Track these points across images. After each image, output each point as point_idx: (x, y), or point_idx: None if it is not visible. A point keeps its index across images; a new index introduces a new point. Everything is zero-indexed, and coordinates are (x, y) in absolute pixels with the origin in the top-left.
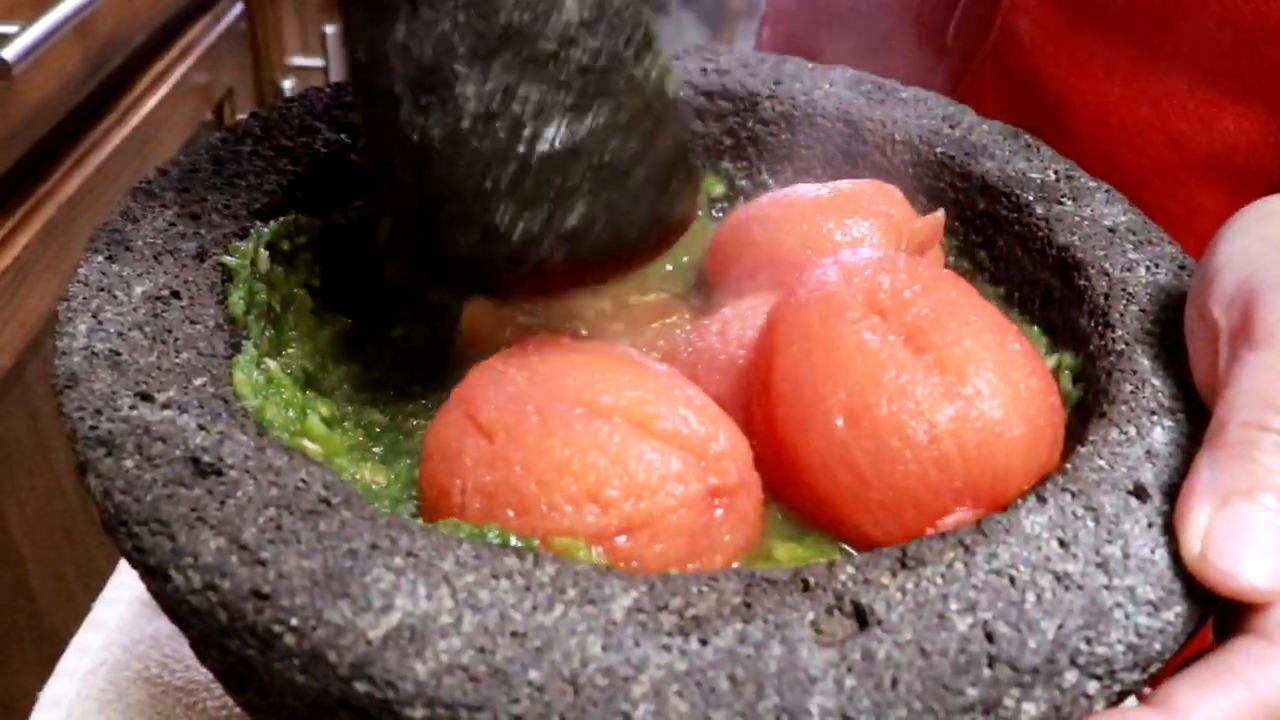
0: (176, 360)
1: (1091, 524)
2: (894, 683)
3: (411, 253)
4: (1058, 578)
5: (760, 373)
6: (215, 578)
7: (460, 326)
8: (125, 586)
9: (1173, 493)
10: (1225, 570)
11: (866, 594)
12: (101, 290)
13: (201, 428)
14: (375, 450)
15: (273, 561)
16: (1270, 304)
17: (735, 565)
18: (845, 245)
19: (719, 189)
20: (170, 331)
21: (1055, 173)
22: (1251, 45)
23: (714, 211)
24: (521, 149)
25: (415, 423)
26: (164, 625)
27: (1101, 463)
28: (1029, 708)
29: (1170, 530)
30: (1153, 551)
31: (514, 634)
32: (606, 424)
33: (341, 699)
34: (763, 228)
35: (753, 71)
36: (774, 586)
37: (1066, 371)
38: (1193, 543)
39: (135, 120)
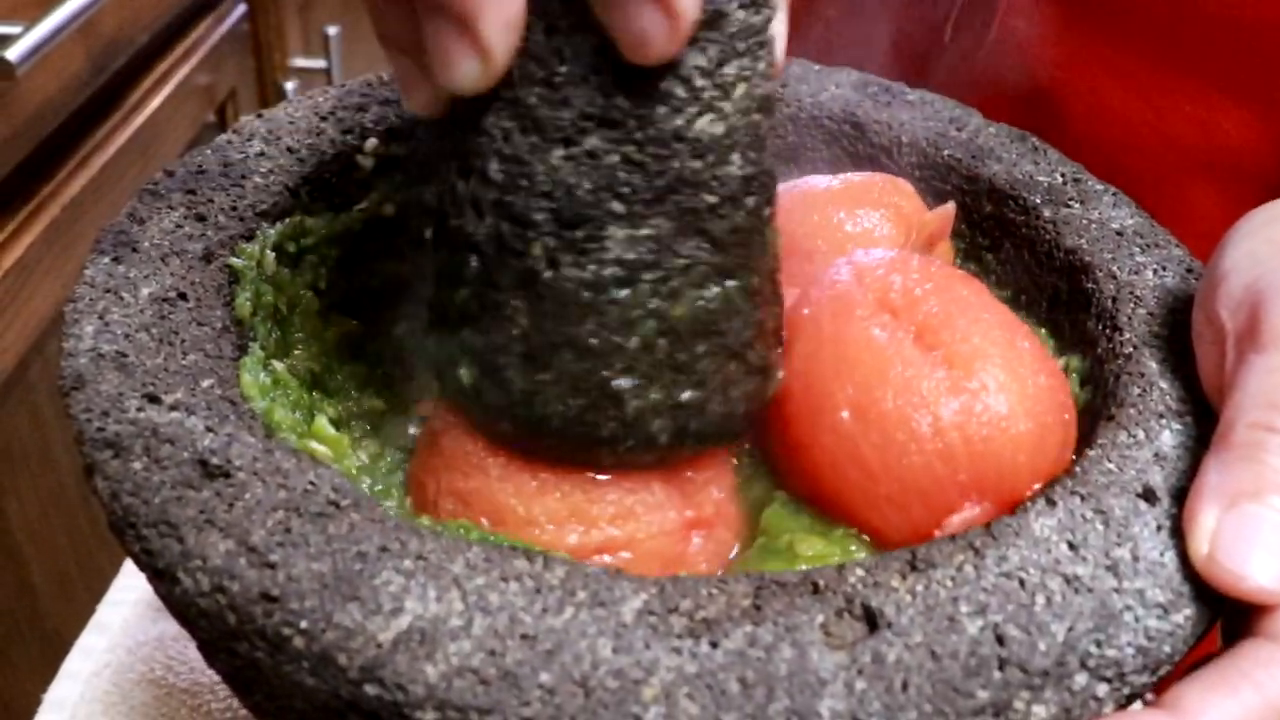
0: (184, 362)
1: (1101, 527)
2: (904, 685)
3: (500, 405)
4: (1067, 580)
5: None
6: (224, 580)
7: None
8: (129, 588)
9: (1181, 495)
10: (1233, 572)
11: (876, 596)
12: (108, 292)
13: (209, 430)
14: (369, 441)
15: (282, 564)
16: (1277, 307)
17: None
18: (856, 236)
19: None
20: (177, 333)
21: (1062, 175)
22: (1250, 47)
23: None
24: (662, 307)
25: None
26: (169, 627)
27: (1110, 465)
28: (1039, 710)
29: (1179, 533)
30: (1162, 554)
31: (524, 636)
32: None
33: (351, 702)
34: None
35: None
36: (784, 589)
37: (1074, 375)
38: (1201, 545)
39: (138, 121)
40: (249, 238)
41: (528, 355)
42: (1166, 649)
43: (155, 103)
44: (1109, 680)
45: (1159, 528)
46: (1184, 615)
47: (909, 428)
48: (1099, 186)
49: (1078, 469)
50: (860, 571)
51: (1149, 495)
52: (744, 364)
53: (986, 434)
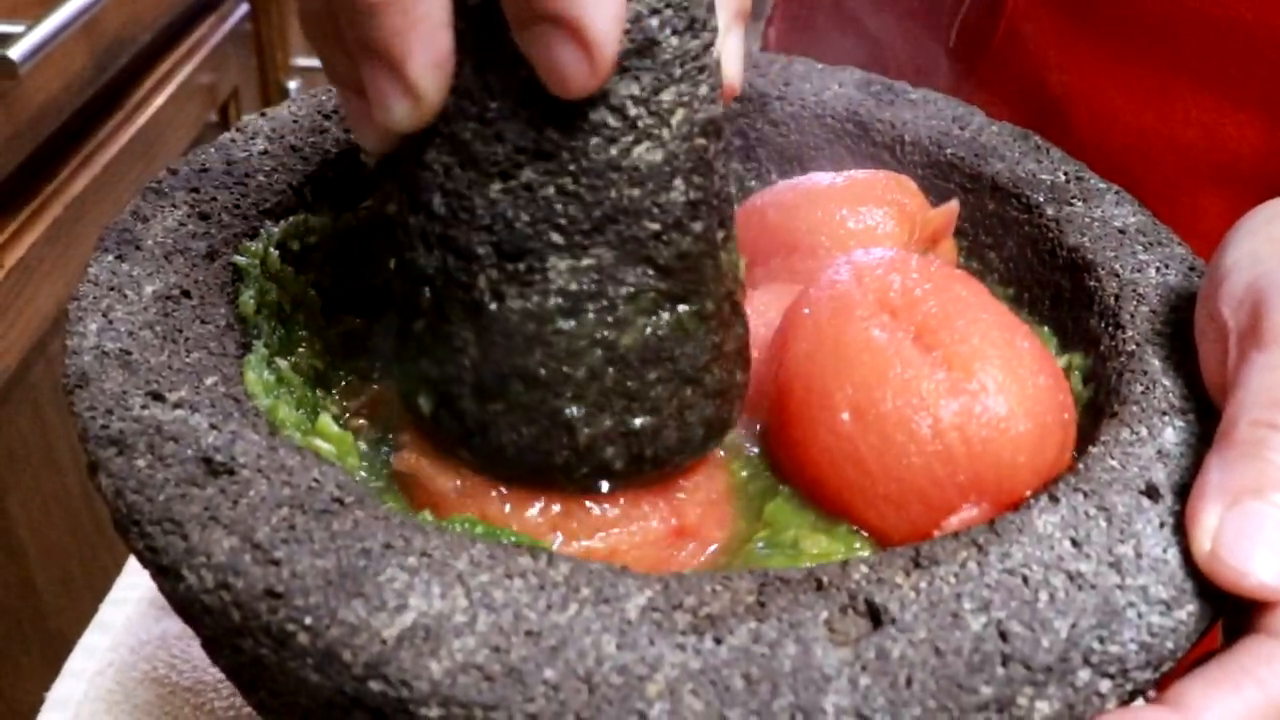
0: (187, 360)
1: (1104, 524)
2: (908, 681)
3: (457, 434)
4: (1071, 577)
5: (773, 369)
6: (228, 577)
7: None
8: (132, 587)
9: (1184, 492)
10: (1236, 569)
11: (880, 593)
12: (112, 290)
13: (213, 427)
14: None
15: (286, 561)
16: (1278, 305)
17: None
18: (859, 233)
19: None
20: (181, 331)
21: (1065, 174)
22: (1255, 52)
23: None
24: (609, 336)
25: None
26: (171, 626)
27: (1113, 463)
28: (1042, 706)
29: (1182, 530)
30: (1165, 551)
31: (529, 633)
32: None
33: (356, 698)
34: (777, 213)
35: (762, 72)
36: (788, 586)
37: (1077, 372)
38: (1203, 542)
39: (141, 120)
40: (252, 236)
41: (479, 386)
42: (1169, 645)
43: (158, 102)
44: (1112, 676)
45: (1162, 525)
46: (1186, 612)
47: (908, 429)
48: (1101, 185)
49: (1081, 466)
50: (864, 568)
51: (1152, 492)
52: (700, 388)
53: (986, 435)
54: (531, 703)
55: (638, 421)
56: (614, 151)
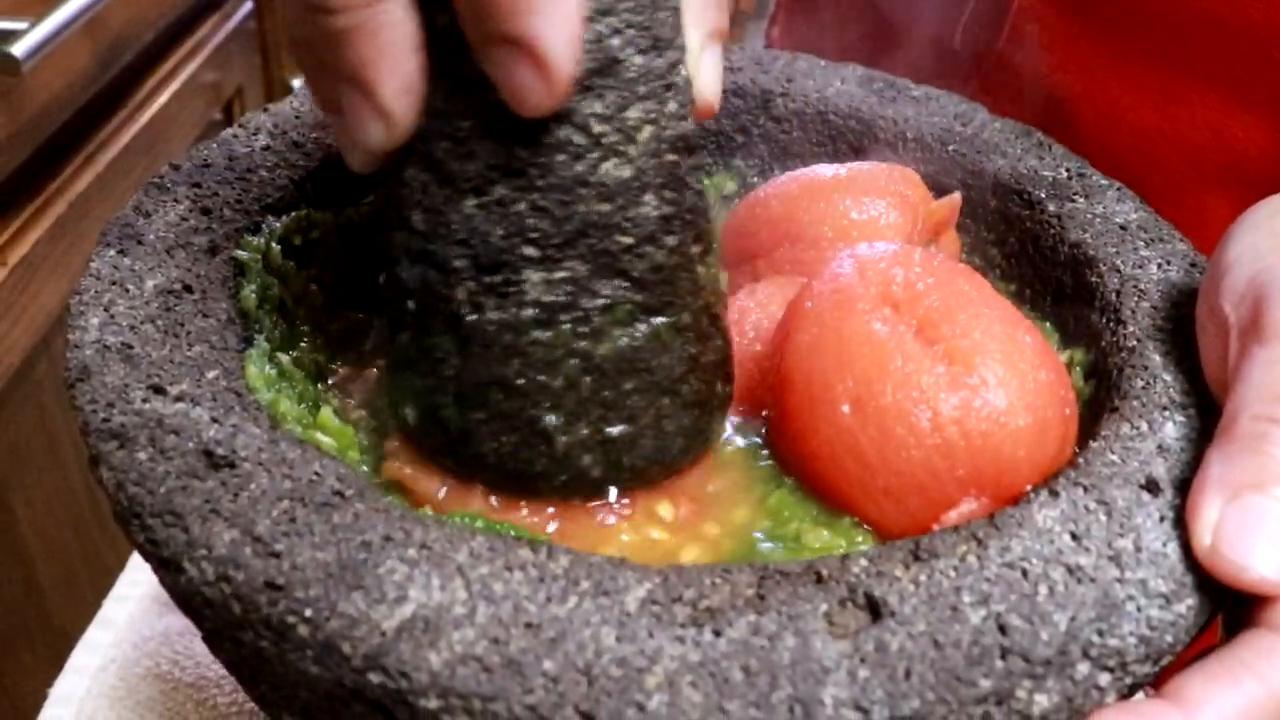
0: (189, 354)
1: (1104, 518)
2: (907, 674)
3: (440, 444)
4: (1070, 570)
5: (775, 362)
6: (229, 569)
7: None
8: (135, 584)
9: (1184, 487)
10: (1236, 563)
11: (880, 586)
12: (113, 284)
13: (214, 420)
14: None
15: (286, 553)
16: (1279, 300)
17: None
18: (861, 224)
19: (731, 186)
20: (182, 325)
21: (1067, 170)
22: (1263, 53)
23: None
24: (584, 346)
25: None
26: (174, 622)
27: (1113, 457)
28: (1041, 699)
29: (1182, 524)
30: (1164, 545)
31: (528, 625)
32: None
33: (355, 690)
34: (780, 204)
35: (765, 69)
36: (787, 579)
37: (1078, 368)
38: (1204, 535)
39: (145, 118)
40: (254, 231)
41: (460, 395)
42: (1169, 639)
43: (161, 100)
44: (1111, 670)
45: (1162, 519)
46: (1186, 605)
47: (908, 422)
48: (1103, 181)
49: (1081, 460)
50: (864, 561)
51: (1152, 486)
52: (678, 399)
53: (985, 429)
54: (530, 694)
55: (614, 430)
56: (581, 168)
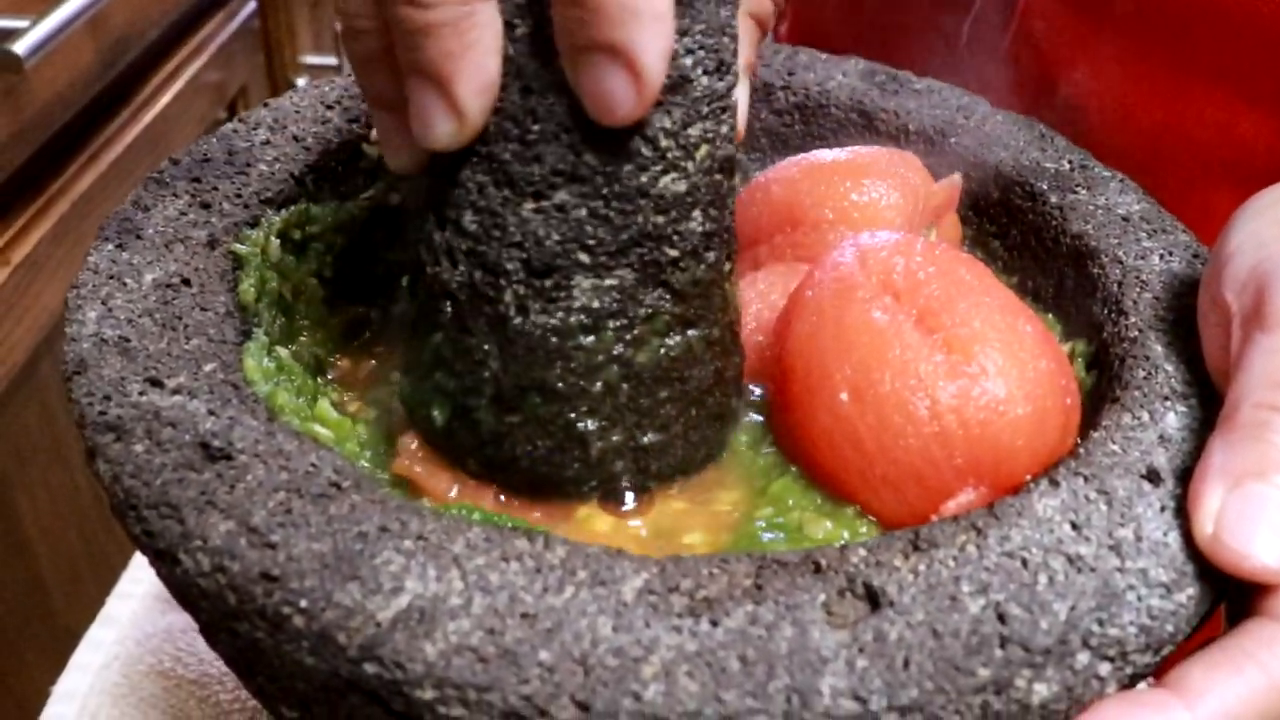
0: (186, 347)
1: (1104, 507)
2: (906, 663)
3: (470, 445)
4: (1070, 560)
5: (776, 351)
6: (224, 560)
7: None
8: (138, 581)
9: (1185, 477)
10: (1238, 551)
11: (879, 576)
12: (111, 278)
13: (211, 413)
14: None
15: (282, 544)
16: None
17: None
18: (863, 206)
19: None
20: (180, 318)
21: (1069, 162)
22: (1270, 49)
23: None
24: (626, 354)
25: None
26: (177, 619)
27: (1114, 447)
28: (1040, 688)
29: (1183, 513)
30: (1165, 534)
31: (524, 615)
32: None
33: (351, 681)
34: (781, 189)
35: (766, 62)
36: (785, 568)
37: (1080, 359)
38: (1205, 524)
39: (148, 117)
40: (253, 225)
41: (498, 398)
42: (1169, 628)
43: (165, 99)
44: (1111, 659)
45: (1163, 508)
46: (1187, 595)
47: (906, 410)
48: (1105, 173)
49: (1081, 450)
50: (863, 551)
51: (1153, 476)
52: (704, 410)
53: (984, 418)
54: (526, 684)
55: (647, 438)
56: (644, 179)
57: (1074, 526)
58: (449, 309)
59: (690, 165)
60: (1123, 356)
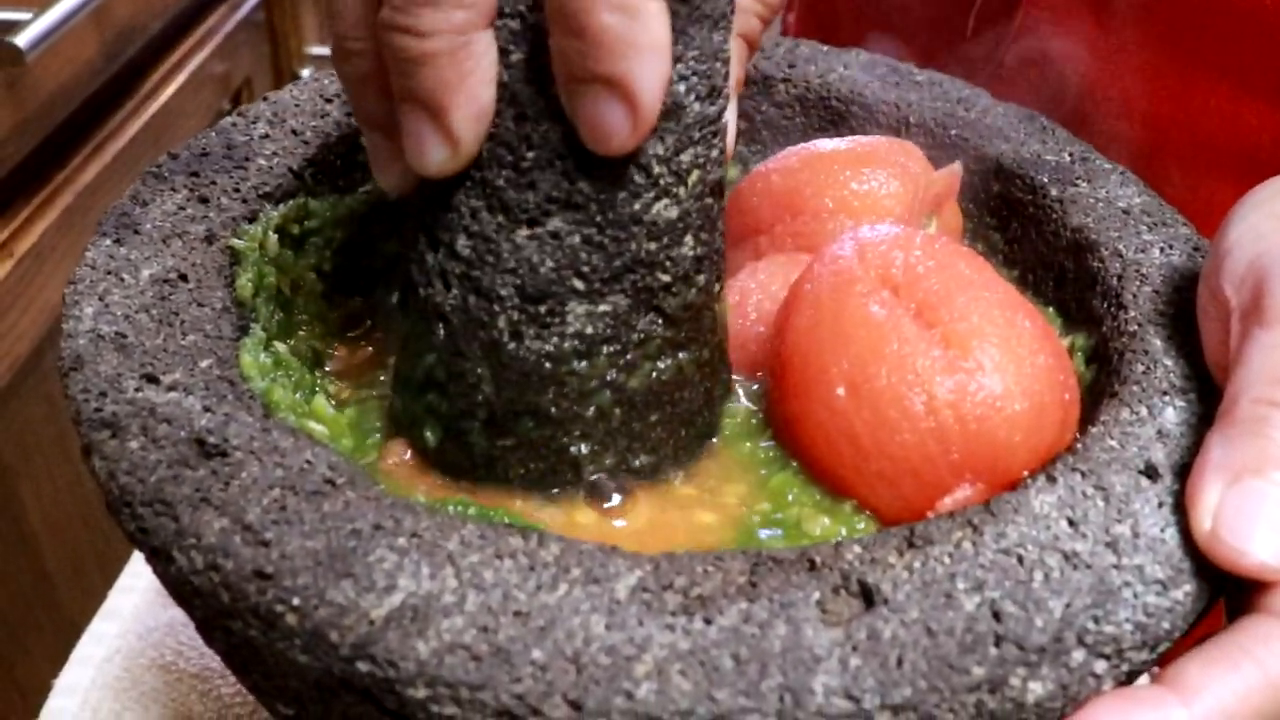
0: (183, 343)
1: (1101, 503)
2: (899, 662)
3: (462, 466)
4: (1066, 557)
5: (775, 344)
6: (218, 558)
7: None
8: (140, 575)
9: (1184, 472)
10: (1236, 548)
11: (873, 573)
12: (109, 274)
13: (207, 409)
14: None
15: (276, 542)
16: None
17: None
18: (862, 194)
19: (734, 172)
20: (177, 314)
21: (1070, 155)
22: (1274, 41)
23: None
24: (619, 379)
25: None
26: (179, 613)
27: (1112, 443)
28: (1035, 687)
29: (1181, 509)
30: (1163, 531)
31: (517, 613)
32: None
33: (343, 679)
34: (781, 178)
35: (767, 54)
36: (780, 566)
37: (1080, 353)
38: (1203, 520)
39: (152, 109)
40: (252, 219)
41: (490, 421)
42: (1165, 625)
43: (170, 90)
44: (1107, 657)
45: (1160, 504)
46: (1183, 591)
47: (902, 405)
48: (1106, 165)
49: (1079, 446)
50: (858, 548)
51: (1151, 472)
52: (693, 429)
53: (981, 414)
54: (518, 683)
55: (638, 461)
56: (637, 206)
57: (1071, 523)
58: (442, 331)
59: (682, 191)
60: (1122, 351)
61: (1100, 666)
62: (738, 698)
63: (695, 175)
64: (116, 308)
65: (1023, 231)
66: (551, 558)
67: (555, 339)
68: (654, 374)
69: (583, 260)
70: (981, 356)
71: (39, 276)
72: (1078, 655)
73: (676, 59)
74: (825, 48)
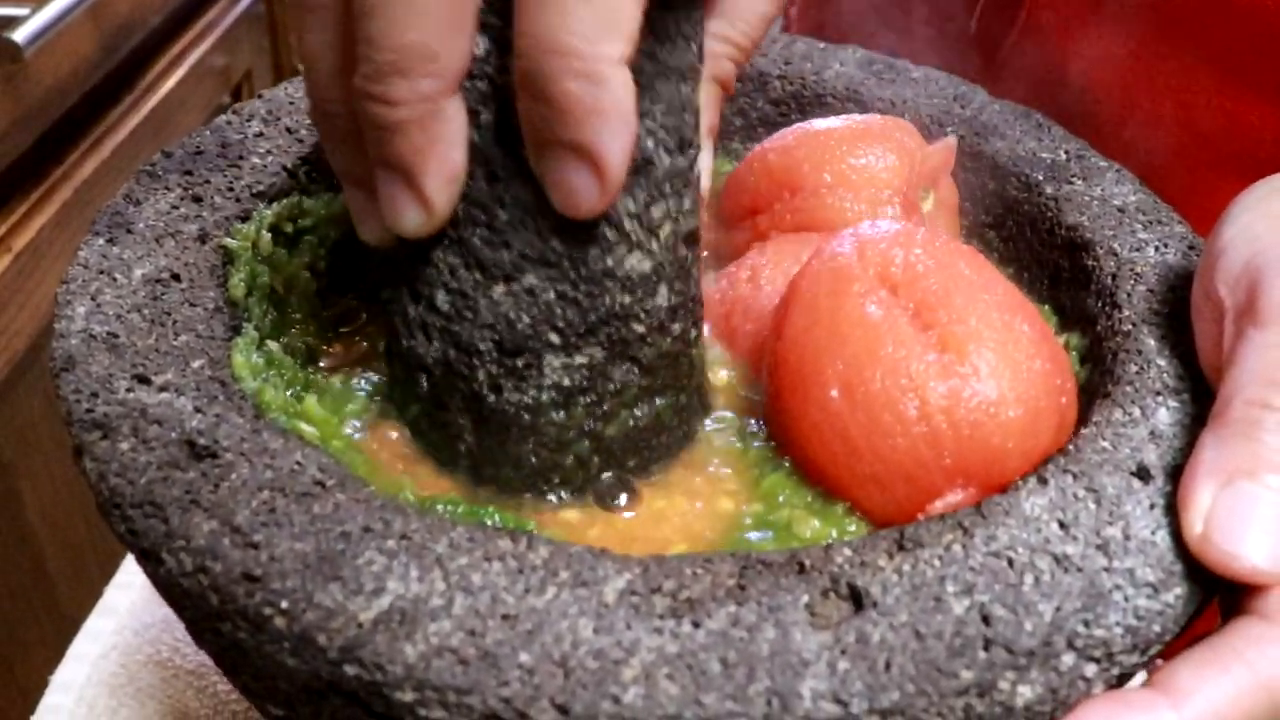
0: (175, 343)
1: (1093, 505)
2: (887, 665)
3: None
4: (1057, 560)
5: (772, 341)
6: (207, 560)
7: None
8: (137, 571)
9: (1176, 474)
10: (1227, 551)
11: (863, 576)
12: (101, 273)
13: (198, 410)
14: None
15: (265, 544)
16: (1275, 282)
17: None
18: (860, 169)
19: (729, 169)
20: (169, 314)
21: (1066, 152)
22: (1275, 40)
23: None
24: (596, 428)
25: None
26: None
27: (1105, 444)
28: (1024, 690)
29: (1172, 511)
30: (1154, 533)
31: (505, 616)
32: None
33: (331, 682)
34: (778, 156)
35: (763, 51)
36: (769, 569)
37: (1074, 352)
38: (1195, 523)
39: (152, 102)
40: (245, 218)
41: (473, 469)
42: (1156, 628)
43: (169, 84)
44: (1097, 660)
45: (1152, 506)
46: (1174, 594)
47: (895, 409)
48: (1102, 163)
49: (1071, 447)
50: (847, 551)
51: (1143, 473)
52: (666, 463)
53: (974, 419)
54: (506, 686)
55: (615, 502)
56: (610, 261)
57: (1062, 525)
58: (425, 382)
59: (655, 244)
60: (1116, 351)
61: (1090, 670)
62: (725, 702)
63: (667, 228)
64: (109, 308)
65: (1018, 229)
66: (540, 560)
67: (533, 391)
68: (631, 421)
69: (558, 315)
70: (977, 361)
71: (37, 272)
72: (1067, 659)
73: (644, 114)
74: (821, 45)
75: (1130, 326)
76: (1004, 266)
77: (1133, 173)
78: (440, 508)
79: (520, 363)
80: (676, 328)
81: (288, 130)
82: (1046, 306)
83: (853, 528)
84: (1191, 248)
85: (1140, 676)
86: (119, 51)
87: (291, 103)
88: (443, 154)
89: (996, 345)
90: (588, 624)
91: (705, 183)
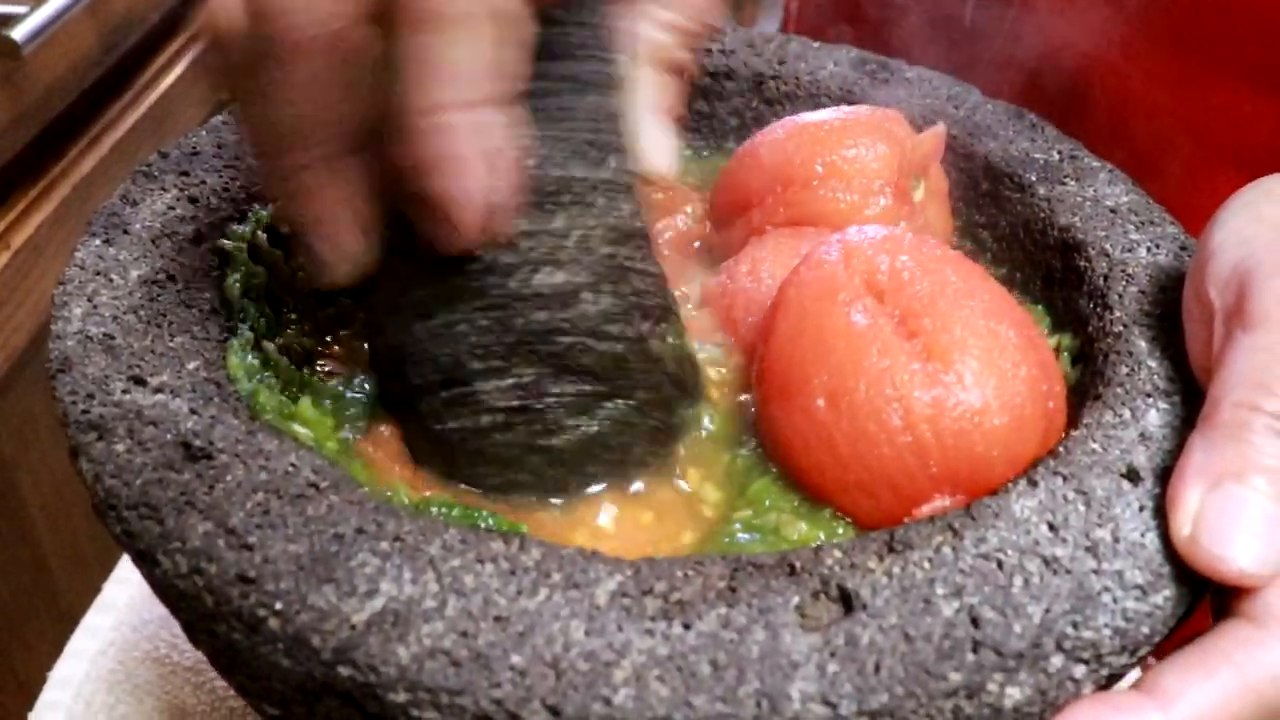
0: (170, 344)
1: (1082, 507)
2: (876, 667)
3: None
4: (1046, 562)
5: (760, 348)
6: (202, 562)
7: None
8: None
9: (1166, 476)
10: (1214, 553)
11: (853, 578)
12: (97, 274)
13: (193, 412)
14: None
15: (259, 546)
16: (1264, 286)
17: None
18: (851, 159)
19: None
20: (165, 315)
21: (1059, 153)
22: (1274, 35)
23: None
24: (543, 442)
25: None
26: None
27: (1094, 446)
28: (1013, 692)
29: (1162, 514)
30: (1143, 535)
31: (497, 618)
32: None
33: (325, 683)
34: (770, 150)
35: (758, 51)
36: (760, 571)
37: (1066, 353)
38: (1183, 525)
39: (151, 99)
40: (241, 219)
41: (446, 482)
42: (1144, 630)
43: (168, 81)
44: (1086, 662)
45: (1141, 508)
46: (1163, 596)
47: (880, 419)
48: (1095, 163)
49: (1061, 449)
50: (837, 553)
51: (1132, 475)
52: (640, 466)
53: (959, 428)
54: (497, 688)
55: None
56: (514, 284)
57: (1051, 527)
58: (391, 407)
59: (563, 255)
60: (1107, 352)
61: (1079, 671)
62: (715, 704)
63: (575, 236)
64: (105, 309)
65: (1011, 230)
66: (532, 562)
67: (473, 418)
68: (582, 429)
69: (474, 344)
70: (962, 369)
71: (35, 269)
72: (1056, 660)
73: (546, 131)
74: (815, 44)
75: (1121, 328)
76: (997, 267)
77: (1126, 163)
78: (434, 510)
79: (455, 392)
80: (614, 329)
81: None
82: (1040, 307)
83: (840, 531)
84: (1183, 249)
85: (1133, 675)
86: (118, 49)
87: None
88: (350, 211)
89: (981, 353)
90: (579, 625)
91: (663, 157)
